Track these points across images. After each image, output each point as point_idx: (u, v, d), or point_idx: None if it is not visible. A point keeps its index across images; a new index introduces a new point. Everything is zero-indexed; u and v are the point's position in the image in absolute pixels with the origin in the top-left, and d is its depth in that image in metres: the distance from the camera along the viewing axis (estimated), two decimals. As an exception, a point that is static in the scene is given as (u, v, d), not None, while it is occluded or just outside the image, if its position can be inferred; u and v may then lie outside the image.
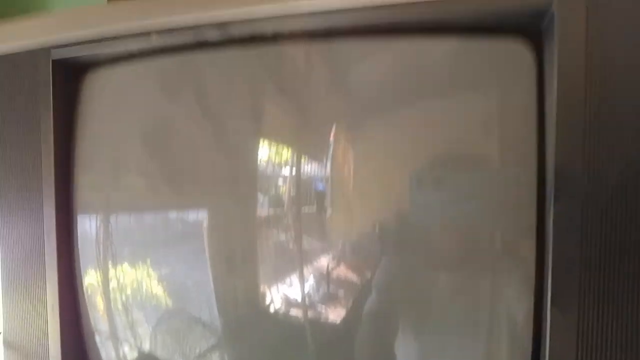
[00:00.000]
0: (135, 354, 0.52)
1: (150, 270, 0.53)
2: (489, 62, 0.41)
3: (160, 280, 0.52)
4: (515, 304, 0.39)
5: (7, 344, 0.52)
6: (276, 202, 0.48)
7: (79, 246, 0.54)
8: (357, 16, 0.40)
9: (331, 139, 0.47)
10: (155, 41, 0.47)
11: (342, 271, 0.46)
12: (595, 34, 0.34)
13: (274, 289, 0.48)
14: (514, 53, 0.39)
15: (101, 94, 0.54)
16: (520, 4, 0.36)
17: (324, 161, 0.47)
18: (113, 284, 0.53)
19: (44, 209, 0.53)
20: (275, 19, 0.43)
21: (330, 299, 0.45)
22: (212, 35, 0.45)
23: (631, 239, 0.33)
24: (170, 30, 0.46)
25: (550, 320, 0.34)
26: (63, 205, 0.54)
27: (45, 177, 0.53)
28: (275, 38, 0.45)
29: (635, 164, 0.33)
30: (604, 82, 0.34)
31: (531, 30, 0.38)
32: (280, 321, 0.47)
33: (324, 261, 0.46)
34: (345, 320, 0.44)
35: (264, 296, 0.48)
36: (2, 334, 0.53)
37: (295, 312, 0.47)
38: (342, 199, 0.47)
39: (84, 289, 0.53)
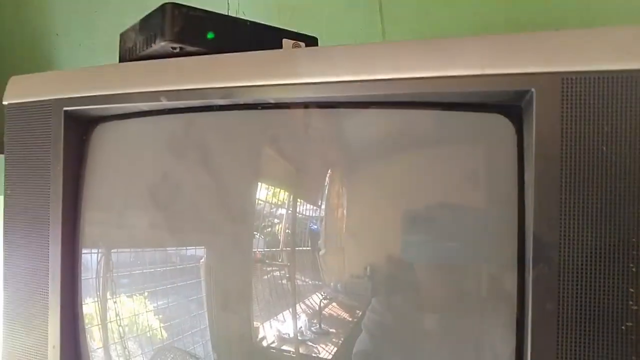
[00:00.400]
0: None
1: (148, 302, 0.55)
2: (473, 130, 0.44)
3: (157, 315, 0.54)
4: (500, 347, 0.41)
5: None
6: (271, 242, 0.51)
7: (82, 286, 0.55)
8: (351, 89, 0.44)
9: (327, 182, 0.50)
10: (163, 103, 0.50)
11: (334, 309, 0.48)
12: (570, 111, 0.38)
13: (267, 325, 0.50)
14: (496, 125, 0.42)
15: (110, 146, 0.57)
16: (503, 83, 0.40)
17: (319, 203, 0.50)
18: (111, 315, 0.55)
19: (50, 249, 0.55)
20: (276, 88, 0.46)
21: (321, 336, 0.47)
22: (217, 100, 0.49)
23: (607, 301, 0.36)
24: (178, 93, 0.49)
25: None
26: (68, 247, 0.56)
27: (53, 220, 0.55)
28: (276, 104, 0.49)
29: (607, 232, 0.36)
30: (578, 155, 0.37)
31: (512, 107, 0.41)
32: (272, 357, 0.49)
33: (316, 299, 0.48)
34: (334, 355, 0.46)
35: (257, 332, 0.50)
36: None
37: (287, 349, 0.49)
38: (335, 240, 0.49)
39: (84, 321, 0.55)
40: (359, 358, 0.46)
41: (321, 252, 0.50)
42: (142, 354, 0.55)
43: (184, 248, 0.56)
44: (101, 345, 0.55)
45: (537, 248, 0.38)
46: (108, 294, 0.56)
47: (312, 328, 0.48)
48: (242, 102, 0.48)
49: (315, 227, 0.51)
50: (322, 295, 0.49)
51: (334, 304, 0.49)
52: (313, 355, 0.47)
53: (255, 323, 0.50)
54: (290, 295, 0.49)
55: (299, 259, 0.50)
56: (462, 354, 0.42)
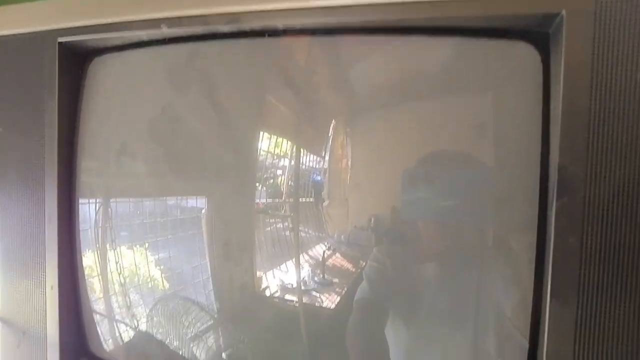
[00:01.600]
0: (132, 334, 0.52)
1: (149, 254, 0.53)
2: (496, 62, 0.42)
3: (158, 264, 0.53)
4: (508, 298, 0.40)
5: (4, 321, 0.52)
6: (274, 192, 0.50)
7: (80, 229, 0.54)
8: (366, 13, 0.41)
9: (330, 132, 0.48)
10: (164, 31, 0.47)
11: (338, 260, 0.47)
12: (602, 38, 0.35)
13: (269, 275, 0.49)
14: (521, 54, 0.40)
15: (107, 80, 0.54)
16: (531, 7, 0.37)
17: (323, 154, 0.48)
18: (112, 266, 0.54)
19: (46, 192, 0.53)
20: (286, 13, 0.43)
21: (324, 286, 0.47)
22: (222, 27, 0.46)
23: (631, 236, 0.35)
24: (180, 21, 0.46)
25: (549, 313, 0.35)
26: (65, 188, 0.54)
27: (48, 161, 0.53)
28: (284, 32, 0.46)
29: (637, 166, 0.35)
30: (609, 85, 0.35)
31: (539, 34, 0.39)
32: (275, 307, 0.48)
33: (319, 250, 0.48)
34: (337, 307, 0.45)
35: (259, 282, 0.49)
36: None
37: (289, 298, 0.48)
38: (338, 191, 0.48)
39: (83, 270, 0.53)
40: (359, 305, 0.45)
41: (325, 204, 0.48)
42: (143, 303, 0.53)
43: (185, 197, 0.54)
44: (101, 295, 0.54)
45: (562, 180, 0.36)
46: (107, 244, 0.55)
47: (316, 278, 0.48)
48: (248, 29, 0.45)
49: (319, 178, 0.50)
50: (325, 246, 0.48)
51: (337, 254, 0.48)
52: (316, 304, 0.47)
53: (258, 273, 0.50)
54: (294, 246, 0.49)
55: (303, 210, 0.49)
56: (468, 305, 0.41)
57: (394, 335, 0.44)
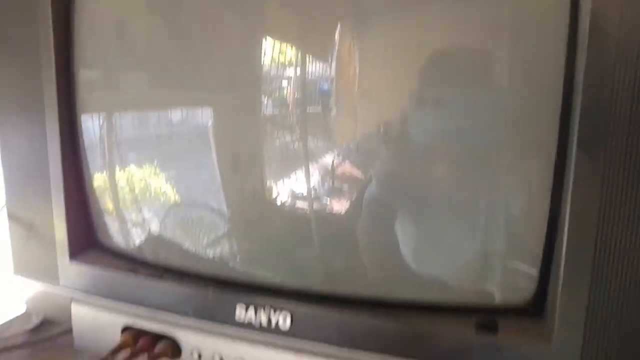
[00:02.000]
0: (144, 240, 0.52)
1: (158, 167, 0.53)
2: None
3: (168, 180, 0.53)
4: (520, 200, 0.40)
5: (12, 217, 0.53)
6: (281, 101, 0.48)
7: (85, 145, 0.53)
8: None
9: (337, 38, 0.45)
10: None
11: (347, 168, 0.47)
12: None
13: (279, 185, 0.49)
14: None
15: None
16: None
17: (329, 61, 0.46)
18: (121, 182, 0.53)
19: (46, 114, 0.51)
20: None
21: (334, 192, 0.47)
22: None
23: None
24: None
25: (576, 163, 0.33)
26: (65, 110, 0.51)
27: (46, 74, 0.51)
28: None
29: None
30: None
31: None
32: (286, 214, 0.49)
33: (328, 159, 0.47)
34: (347, 212, 0.46)
35: (270, 192, 0.49)
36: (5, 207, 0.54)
37: (300, 206, 0.48)
38: (346, 99, 0.47)
39: (93, 188, 0.53)
40: (368, 204, 0.45)
41: (333, 113, 0.47)
42: (154, 214, 0.54)
43: (191, 109, 0.52)
44: (114, 214, 0.54)
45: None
46: (115, 161, 0.54)
47: (325, 186, 0.47)
48: None
49: (326, 86, 0.48)
50: (334, 155, 0.47)
51: (346, 163, 0.47)
52: (327, 210, 0.47)
53: (268, 183, 0.49)
54: (302, 155, 0.48)
55: (310, 120, 0.48)
56: (478, 199, 0.41)
57: (403, 233, 0.44)
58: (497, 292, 0.40)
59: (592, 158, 0.32)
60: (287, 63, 0.48)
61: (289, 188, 0.48)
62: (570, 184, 0.33)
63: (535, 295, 0.37)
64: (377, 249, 0.46)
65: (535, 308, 0.37)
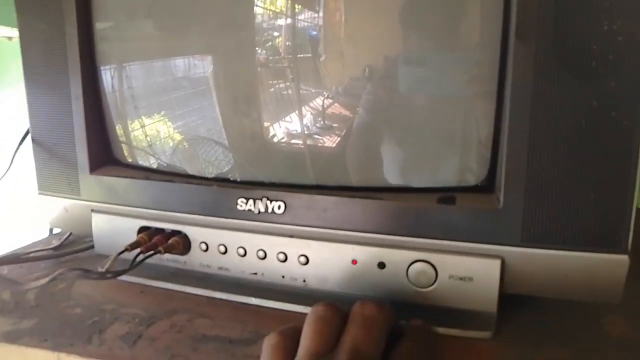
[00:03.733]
0: (156, 159, 0.59)
1: (166, 110, 0.59)
2: None
3: (176, 117, 0.59)
4: (481, 128, 0.47)
5: (36, 140, 0.59)
6: (274, 48, 0.54)
7: (104, 89, 0.58)
8: None
9: None
10: None
11: (336, 108, 0.53)
12: None
13: (276, 125, 0.56)
14: None
15: None
16: None
17: (317, 9, 0.52)
18: (135, 125, 0.60)
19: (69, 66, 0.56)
20: None
21: (326, 130, 0.53)
22: None
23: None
24: None
25: (514, 52, 0.39)
26: (87, 63, 0.57)
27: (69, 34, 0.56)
28: None
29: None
30: None
31: None
32: (283, 149, 0.55)
33: (319, 101, 0.53)
34: (338, 144, 0.52)
35: (268, 131, 0.56)
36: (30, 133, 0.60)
37: (296, 142, 0.55)
38: (333, 45, 0.52)
39: (112, 120, 0.59)
40: (356, 129, 0.52)
41: (321, 59, 0.53)
42: (166, 148, 0.60)
43: (192, 57, 0.59)
44: (130, 143, 0.59)
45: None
46: (130, 106, 0.60)
47: (317, 124, 0.54)
48: None
49: (315, 33, 0.54)
50: (324, 96, 0.53)
51: (335, 104, 0.54)
52: (319, 144, 0.54)
53: (265, 123, 0.55)
54: (295, 97, 0.54)
55: (302, 66, 0.53)
56: (448, 125, 0.48)
57: (389, 153, 0.51)
58: (457, 176, 0.47)
59: (525, 43, 0.39)
60: (278, 11, 0.54)
61: (284, 127, 0.55)
62: (510, 73, 0.41)
63: (487, 176, 0.45)
64: (364, 167, 0.53)
65: (487, 186, 0.45)
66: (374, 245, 0.46)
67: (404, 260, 0.46)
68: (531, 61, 0.39)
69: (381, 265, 0.46)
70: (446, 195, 0.44)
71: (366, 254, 0.47)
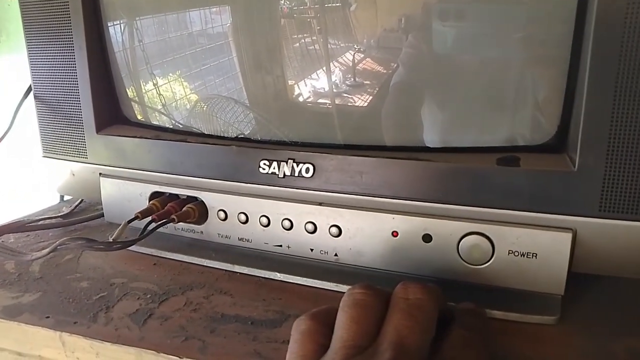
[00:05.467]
0: (169, 116, 0.53)
1: (183, 71, 0.53)
2: None
3: (192, 81, 0.53)
4: (541, 87, 0.39)
5: (39, 99, 0.54)
6: None
7: (112, 46, 0.52)
8: None
9: None
10: None
11: (368, 64, 0.46)
12: None
13: (301, 83, 0.49)
14: None
15: None
16: None
17: None
18: (148, 86, 0.54)
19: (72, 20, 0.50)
20: None
21: (356, 87, 0.47)
22: None
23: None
24: None
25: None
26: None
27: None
28: None
29: None
30: None
31: None
32: (309, 109, 0.49)
33: (349, 56, 0.47)
34: (369, 104, 0.46)
35: (292, 90, 0.49)
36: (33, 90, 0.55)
37: (323, 101, 0.48)
38: None
39: (120, 78, 0.53)
40: (395, 89, 0.45)
41: (352, 7, 0.46)
42: (183, 112, 0.54)
43: (208, 7, 0.52)
44: (140, 101, 0.54)
45: None
46: (139, 65, 0.54)
47: (347, 82, 0.47)
48: None
49: None
50: (354, 51, 0.46)
51: (367, 59, 0.47)
52: (349, 104, 0.47)
53: (289, 81, 0.49)
54: (323, 51, 0.47)
55: (330, 16, 0.46)
56: (503, 84, 0.40)
57: (430, 115, 0.44)
58: (522, 136, 0.40)
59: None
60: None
61: (311, 85, 0.48)
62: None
63: (557, 133, 0.37)
64: (402, 130, 0.46)
65: (557, 145, 0.37)
66: (419, 214, 0.40)
67: (454, 232, 0.39)
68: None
69: (427, 237, 0.40)
70: (507, 155, 0.37)
71: (409, 225, 0.40)
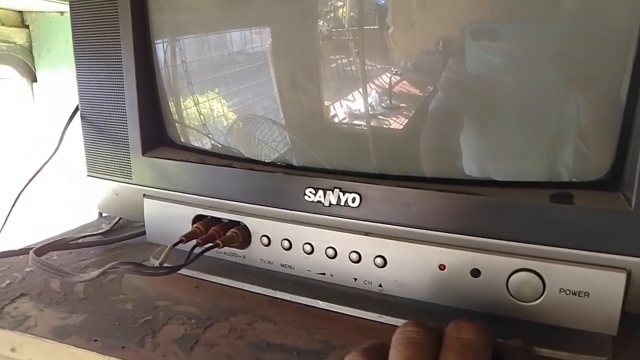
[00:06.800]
0: (213, 141, 0.53)
1: (221, 86, 0.54)
2: None
3: (230, 100, 0.54)
4: (588, 119, 0.39)
5: (85, 120, 0.55)
6: (336, 20, 0.48)
7: (158, 64, 0.53)
8: None
9: None
10: None
11: (405, 86, 0.46)
12: None
13: (337, 103, 0.49)
14: None
15: None
16: None
17: None
18: (189, 102, 0.55)
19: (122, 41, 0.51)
20: None
21: (392, 110, 0.47)
22: None
23: None
24: None
25: None
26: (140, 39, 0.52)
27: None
28: None
29: None
30: None
31: None
32: (344, 131, 0.49)
33: (385, 78, 0.47)
34: (405, 128, 0.46)
35: (328, 110, 0.49)
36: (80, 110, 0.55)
37: (358, 123, 0.49)
38: (403, 15, 0.46)
39: (165, 98, 0.54)
40: (434, 114, 0.45)
41: (390, 30, 0.46)
42: (222, 127, 0.55)
43: (249, 28, 0.53)
44: (184, 122, 0.55)
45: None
46: (183, 82, 0.55)
47: (383, 104, 0.47)
48: None
49: (383, 1, 0.47)
50: (391, 73, 0.46)
51: (404, 81, 0.47)
52: (384, 126, 0.47)
53: (325, 102, 0.49)
54: (359, 73, 0.48)
55: (367, 39, 0.47)
56: (544, 110, 0.40)
57: (468, 142, 0.44)
58: (570, 171, 0.39)
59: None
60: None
61: (346, 105, 0.49)
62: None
63: (610, 171, 0.37)
64: (441, 157, 0.46)
65: (611, 182, 0.37)
66: (467, 248, 0.39)
67: (504, 268, 0.38)
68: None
69: (475, 272, 0.39)
70: (561, 192, 0.37)
71: (457, 259, 0.40)
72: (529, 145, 0.41)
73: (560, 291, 0.37)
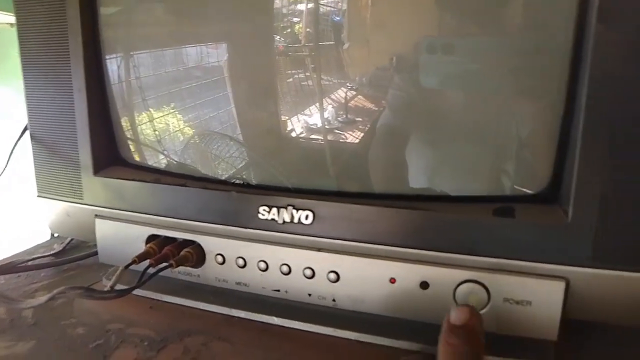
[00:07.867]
0: (167, 158, 0.53)
1: (177, 102, 0.54)
2: None
3: (186, 115, 0.54)
4: (528, 128, 0.41)
5: (35, 137, 0.53)
6: (293, 36, 0.49)
7: (109, 80, 0.53)
8: None
9: None
10: None
11: (360, 101, 0.48)
12: None
13: (294, 118, 0.50)
14: None
15: None
16: None
17: None
18: (143, 118, 0.54)
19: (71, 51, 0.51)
20: None
21: (347, 124, 0.48)
22: None
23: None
24: None
25: (595, 37, 0.33)
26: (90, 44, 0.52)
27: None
28: None
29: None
30: None
31: None
32: (301, 145, 0.50)
33: (341, 93, 0.48)
34: (361, 141, 0.47)
35: (285, 125, 0.50)
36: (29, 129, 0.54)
37: (315, 137, 0.49)
38: (359, 32, 0.47)
39: (117, 117, 0.53)
40: (382, 131, 0.46)
41: (345, 46, 0.47)
42: (177, 145, 0.54)
43: (206, 44, 0.53)
44: (137, 141, 0.54)
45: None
46: (137, 98, 0.54)
47: (339, 118, 0.48)
48: None
49: (338, 18, 0.48)
50: (347, 87, 0.48)
51: (359, 96, 0.48)
52: (340, 140, 0.48)
53: (282, 117, 0.50)
54: (316, 88, 0.49)
55: (323, 54, 0.48)
56: (489, 125, 0.42)
57: (417, 158, 0.46)
58: (512, 184, 0.41)
59: (610, 29, 0.33)
60: (297, -5, 0.48)
61: (304, 120, 0.49)
62: (588, 62, 0.34)
63: (549, 185, 0.39)
64: (388, 173, 0.47)
65: (550, 195, 0.38)
66: (416, 262, 0.41)
67: (451, 280, 0.40)
68: (617, 48, 0.33)
69: (424, 285, 0.41)
70: (504, 206, 0.38)
71: (406, 272, 0.41)
72: (475, 159, 0.43)
73: (504, 300, 0.39)
